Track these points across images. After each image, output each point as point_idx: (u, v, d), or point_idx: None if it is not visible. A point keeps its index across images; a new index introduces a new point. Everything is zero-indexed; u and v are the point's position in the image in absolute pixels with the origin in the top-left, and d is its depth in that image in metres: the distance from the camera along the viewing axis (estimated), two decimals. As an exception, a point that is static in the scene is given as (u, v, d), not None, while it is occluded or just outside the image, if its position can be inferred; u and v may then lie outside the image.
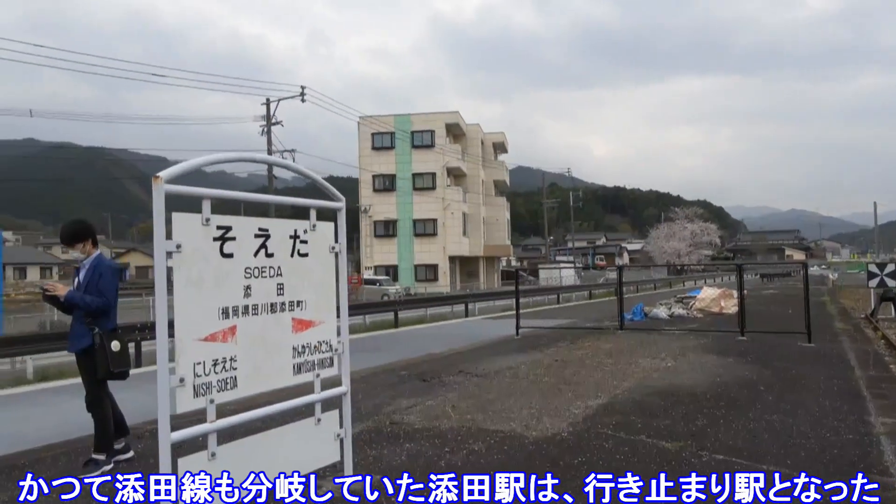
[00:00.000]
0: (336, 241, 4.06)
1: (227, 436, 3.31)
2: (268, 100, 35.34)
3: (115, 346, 4.79)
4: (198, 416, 3.12)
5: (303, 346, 3.80)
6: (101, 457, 4.97)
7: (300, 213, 4.00)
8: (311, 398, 3.85)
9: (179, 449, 3.01)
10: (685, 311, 18.64)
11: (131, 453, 5.20)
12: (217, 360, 3.25)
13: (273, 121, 35.75)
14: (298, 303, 3.77)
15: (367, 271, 52.21)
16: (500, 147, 65.96)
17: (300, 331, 3.79)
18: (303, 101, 35.31)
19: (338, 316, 4.06)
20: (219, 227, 3.25)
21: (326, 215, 4.07)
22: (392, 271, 52.24)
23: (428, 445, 5.18)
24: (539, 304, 29.39)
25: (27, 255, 76.69)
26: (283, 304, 3.66)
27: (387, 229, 53.83)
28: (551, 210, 73.23)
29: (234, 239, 3.34)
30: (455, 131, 55.90)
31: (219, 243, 3.27)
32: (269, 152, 35.04)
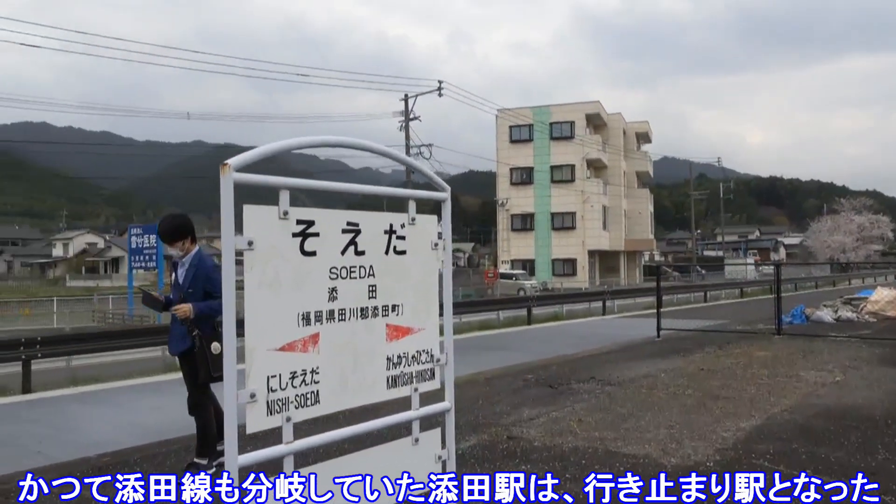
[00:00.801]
0: (440, 236, 3.58)
1: (306, 458, 2.91)
2: (406, 95, 35.77)
3: (216, 348, 4.58)
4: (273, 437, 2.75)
5: (399, 357, 3.34)
6: (203, 461, 4.81)
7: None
8: (408, 415, 3.39)
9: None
10: (854, 315, 16.61)
11: None
12: (296, 372, 2.86)
13: (411, 116, 36.15)
14: (394, 307, 3.31)
15: (504, 265, 51.88)
16: (643, 137, 63.33)
17: (396, 339, 3.34)
18: (440, 95, 35.43)
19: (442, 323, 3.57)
20: (299, 222, 2.85)
21: (429, 208, 3.60)
22: (529, 265, 51.55)
23: (545, 469, 4.59)
24: (684, 303, 27.64)
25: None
26: (375, 308, 3.21)
27: (524, 223, 53.17)
28: (699, 202, 69.48)
29: (317, 235, 2.92)
30: (596, 122, 54.20)
31: (299, 239, 2.86)
32: (407, 147, 35.49)
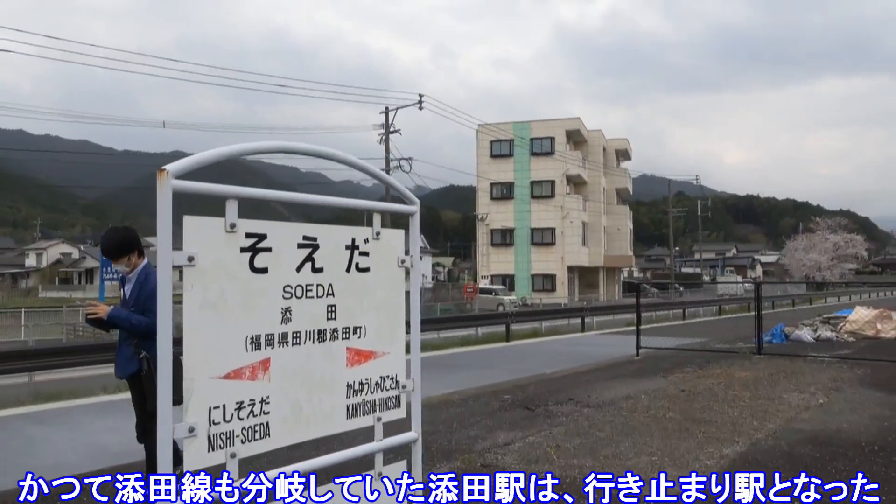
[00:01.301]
0: (407, 252, 3.31)
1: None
2: (386, 108, 35.57)
3: None
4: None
5: (360, 383, 3.06)
6: None
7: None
8: (370, 447, 3.11)
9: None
10: (834, 334, 16.56)
11: None
12: (242, 402, 2.58)
13: (392, 129, 35.93)
14: (355, 329, 3.04)
15: (484, 280, 51.68)
16: (622, 154, 63.65)
17: (357, 363, 3.06)
18: (420, 108, 35.29)
19: (408, 348, 3.31)
20: (248, 235, 2.58)
21: (398, 222, 3.35)
22: (508, 281, 51.39)
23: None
24: (663, 319, 27.57)
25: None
26: (334, 330, 2.94)
27: (504, 238, 53.07)
28: (677, 219, 69.92)
29: (269, 250, 2.65)
30: (576, 138, 54.37)
31: (248, 255, 2.58)
32: (387, 160, 35.27)
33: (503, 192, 53.14)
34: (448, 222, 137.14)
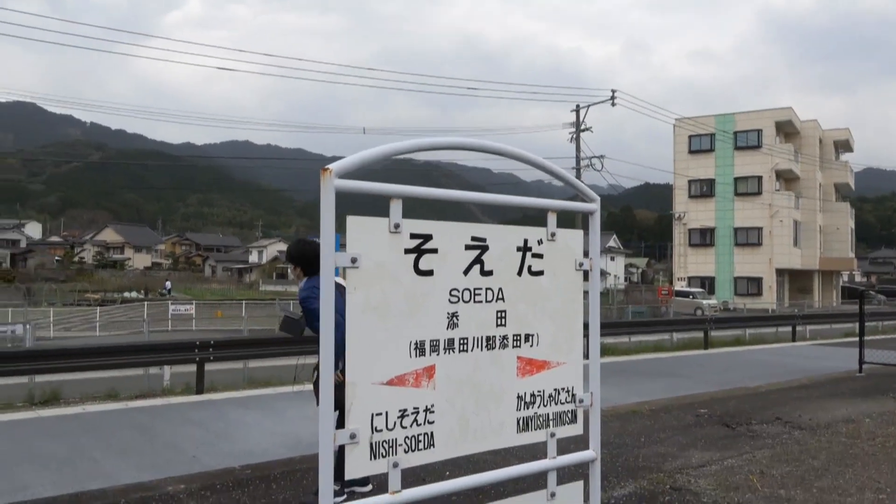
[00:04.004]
0: (586, 254, 3.04)
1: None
2: (577, 106, 34.91)
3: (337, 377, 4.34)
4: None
5: (532, 395, 2.86)
6: (336, 486, 4.58)
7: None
8: (542, 464, 2.88)
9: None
10: None
11: (370, 486, 4.69)
12: (406, 410, 2.47)
13: (583, 127, 35.20)
14: (528, 337, 2.84)
15: (680, 282, 49.09)
16: (842, 146, 57.39)
17: (529, 374, 2.86)
18: (612, 104, 34.20)
19: (587, 356, 3.03)
20: (413, 236, 2.47)
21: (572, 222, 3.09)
22: (708, 283, 48.36)
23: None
24: (891, 331, 24.32)
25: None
26: (504, 337, 2.76)
27: (703, 238, 50.01)
28: (911, 218, 61.63)
29: (435, 251, 2.53)
30: (787, 129, 49.85)
31: (413, 256, 2.48)
32: (578, 158, 34.62)
33: (703, 189, 50.09)
34: (643, 221, 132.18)
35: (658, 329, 19.13)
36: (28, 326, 20.24)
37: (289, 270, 4.63)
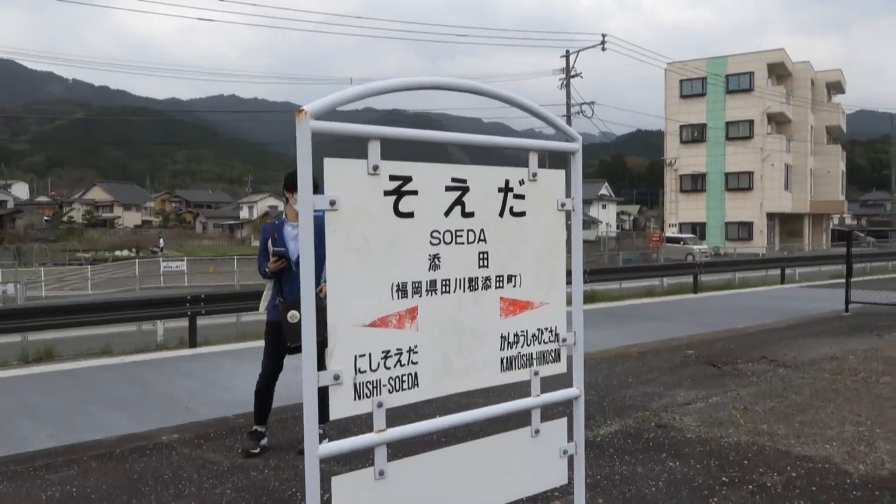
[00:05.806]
0: (568, 194, 3.04)
1: (399, 450, 2.55)
2: (567, 51, 34.44)
3: (293, 316, 4.37)
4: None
5: (515, 335, 2.88)
6: (262, 428, 4.72)
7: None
8: (525, 402, 2.93)
9: (336, 463, 2.32)
10: None
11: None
12: (389, 351, 2.49)
13: (573, 73, 34.80)
14: (510, 277, 2.85)
15: (672, 229, 49.25)
16: (835, 87, 57.00)
17: (512, 314, 2.87)
18: (603, 49, 33.75)
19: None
20: (392, 178, 2.45)
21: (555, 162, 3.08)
22: (699, 229, 48.53)
23: (699, 469, 3.93)
24: (879, 272, 24.57)
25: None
26: (486, 278, 2.77)
27: (694, 184, 50.01)
28: (901, 159, 61.70)
29: (415, 193, 2.51)
30: (779, 72, 49.40)
31: (392, 198, 2.46)
32: (568, 105, 34.32)
33: (694, 134, 49.85)
34: (634, 169, 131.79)
35: (648, 275, 19.29)
36: (20, 286, 20.22)
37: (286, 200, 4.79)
